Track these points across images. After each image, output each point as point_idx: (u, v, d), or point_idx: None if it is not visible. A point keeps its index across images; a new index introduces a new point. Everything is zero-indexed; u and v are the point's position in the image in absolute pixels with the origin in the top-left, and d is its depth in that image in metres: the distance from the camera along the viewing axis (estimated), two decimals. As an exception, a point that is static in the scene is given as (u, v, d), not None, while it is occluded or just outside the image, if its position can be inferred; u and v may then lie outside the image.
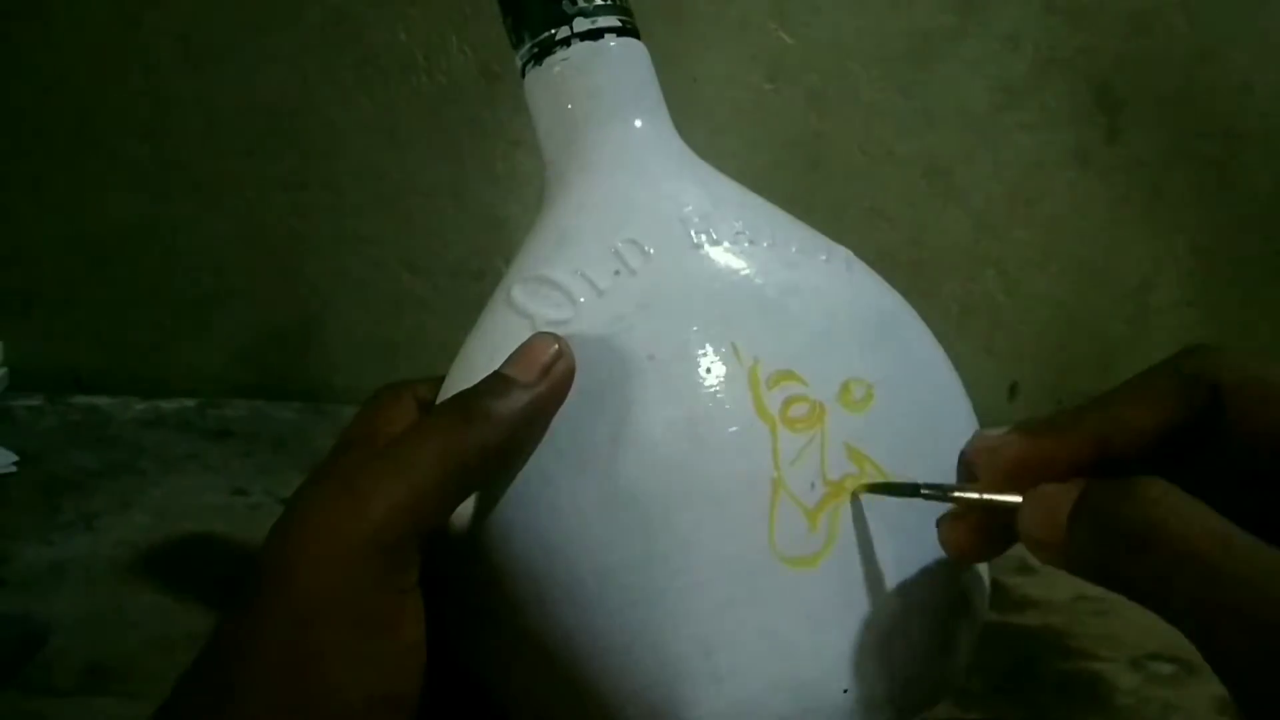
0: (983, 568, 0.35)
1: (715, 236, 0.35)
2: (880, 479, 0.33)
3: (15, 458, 0.67)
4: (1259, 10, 0.69)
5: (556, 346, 0.32)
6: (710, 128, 0.70)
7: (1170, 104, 0.70)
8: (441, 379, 0.36)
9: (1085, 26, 0.69)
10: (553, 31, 0.37)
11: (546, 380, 0.32)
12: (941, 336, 0.38)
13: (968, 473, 0.34)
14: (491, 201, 0.73)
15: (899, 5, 0.69)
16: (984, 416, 0.37)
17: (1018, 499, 0.29)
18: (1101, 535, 0.27)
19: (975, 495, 0.30)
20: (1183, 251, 0.74)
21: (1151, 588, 0.26)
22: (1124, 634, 0.53)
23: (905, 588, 0.32)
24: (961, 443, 0.35)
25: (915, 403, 0.34)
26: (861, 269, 0.37)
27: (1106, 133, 0.71)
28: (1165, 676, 0.51)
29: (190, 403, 0.76)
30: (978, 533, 0.31)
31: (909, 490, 0.32)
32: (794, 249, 0.36)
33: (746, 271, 0.34)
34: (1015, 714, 0.49)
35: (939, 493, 0.31)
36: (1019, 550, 0.53)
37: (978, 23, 0.69)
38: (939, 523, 0.31)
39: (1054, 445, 0.30)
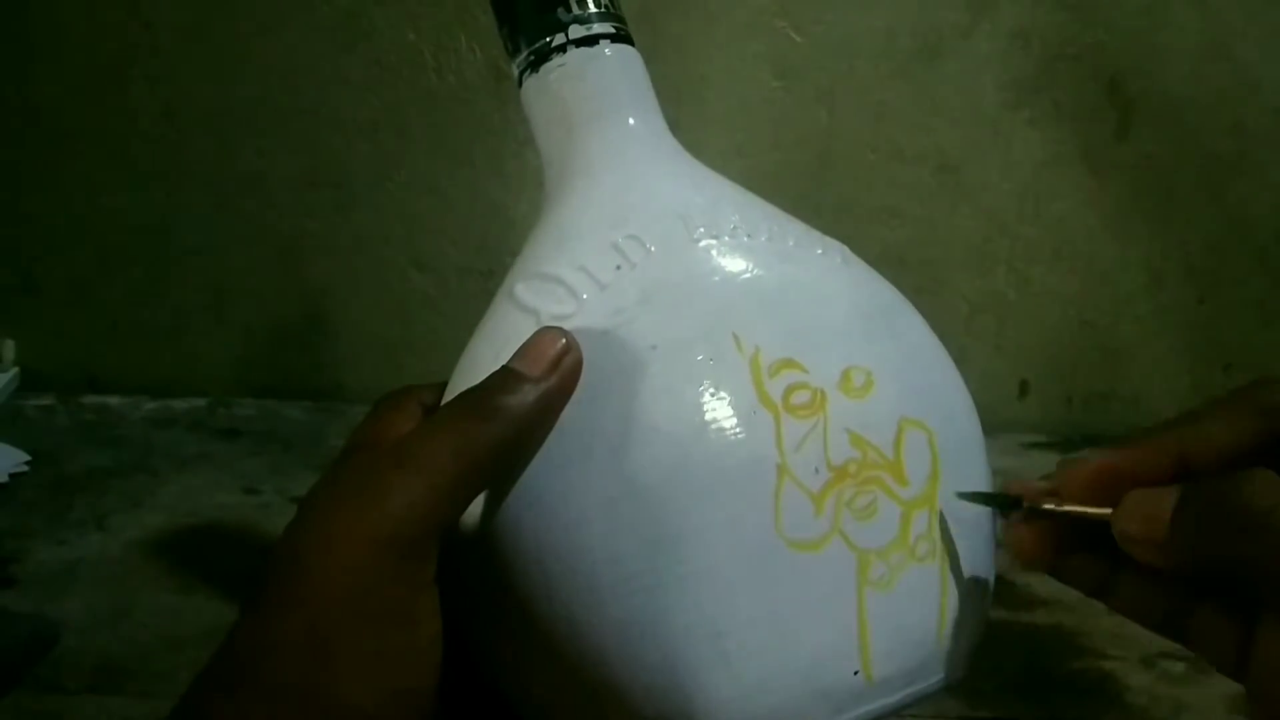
0: (989, 559, 0.36)
1: (713, 231, 0.35)
2: (883, 464, 0.33)
3: (27, 457, 0.67)
4: (1269, 7, 0.68)
5: (564, 341, 0.32)
6: (719, 125, 0.70)
7: (1180, 101, 0.70)
8: (444, 385, 0.36)
9: (1095, 23, 0.69)
10: (549, 39, 0.37)
11: (555, 374, 0.32)
12: (951, 334, 0.38)
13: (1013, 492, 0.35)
14: (500, 200, 0.73)
15: (907, 3, 0.69)
16: (994, 414, 0.37)
17: (1107, 511, 0.31)
18: (1210, 522, 0.28)
19: (1073, 508, 0.32)
20: (1194, 248, 0.74)
21: (1261, 570, 0.27)
22: (1135, 633, 0.52)
23: (913, 574, 0.33)
24: (960, 428, 0.36)
25: (914, 389, 0.35)
26: (857, 263, 0.38)
27: (1116, 129, 0.71)
28: (1176, 675, 0.50)
29: (201, 402, 0.76)
30: (1048, 539, 0.32)
31: (1011, 502, 0.33)
32: (791, 243, 0.36)
33: (745, 264, 0.35)
34: (1026, 713, 0.49)
35: (1037, 505, 0.32)
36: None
37: (987, 20, 0.69)
38: (1006, 527, 0.33)
39: (1137, 457, 0.31)
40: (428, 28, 0.70)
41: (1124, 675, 0.51)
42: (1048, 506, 0.32)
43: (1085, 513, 0.31)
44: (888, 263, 0.38)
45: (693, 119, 0.68)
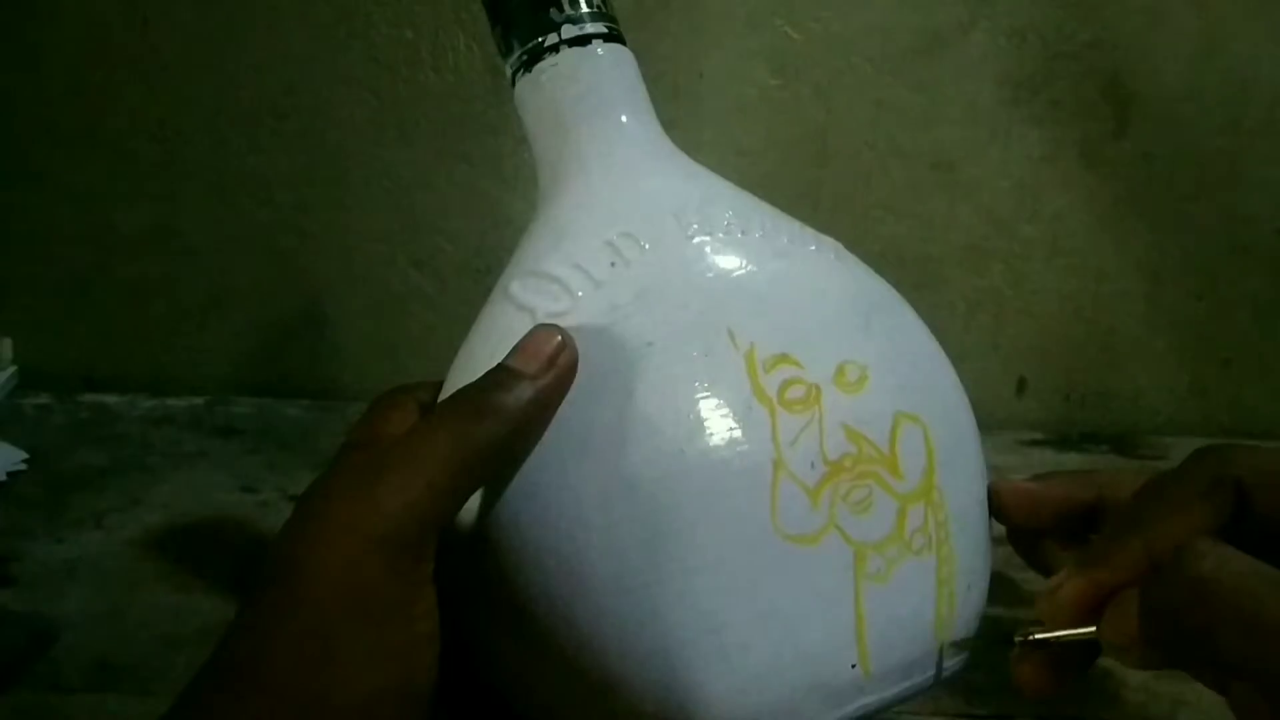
0: (986, 555, 0.36)
1: (707, 228, 0.35)
2: (878, 458, 0.33)
3: (24, 456, 0.67)
4: (1266, 4, 0.68)
5: (559, 338, 0.32)
6: (717, 123, 0.70)
7: (1178, 98, 0.70)
8: (441, 383, 0.36)
9: (1093, 20, 0.69)
10: (541, 39, 0.38)
11: (551, 371, 0.32)
12: (949, 332, 0.38)
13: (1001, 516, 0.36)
14: (498, 198, 0.73)
15: (905, 0, 0.69)
16: (991, 412, 0.37)
17: (1093, 630, 0.31)
18: (1162, 607, 0.29)
19: (1064, 633, 0.32)
20: (1191, 245, 0.74)
21: (1216, 636, 0.27)
22: (1133, 629, 0.53)
23: (909, 567, 0.33)
24: (955, 422, 0.36)
25: (909, 383, 0.35)
26: (850, 259, 0.38)
27: (1114, 127, 0.71)
28: (1175, 671, 0.50)
29: (198, 400, 0.76)
30: (1049, 667, 0.33)
31: (1004, 641, 0.33)
32: (784, 239, 0.36)
33: (739, 260, 0.35)
34: (1024, 709, 0.49)
35: (1033, 639, 0.33)
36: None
37: (985, 17, 0.69)
38: (1013, 665, 0.33)
39: (1109, 576, 0.31)
40: (425, 26, 0.70)
41: (1122, 672, 0.51)
42: (1039, 636, 0.32)
43: (1075, 635, 0.32)
44: (885, 260, 0.38)
45: (690, 117, 0.68)
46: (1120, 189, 0.72)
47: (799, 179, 0.71)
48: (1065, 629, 0.32)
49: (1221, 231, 0.73)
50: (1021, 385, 0.77)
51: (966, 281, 0.75)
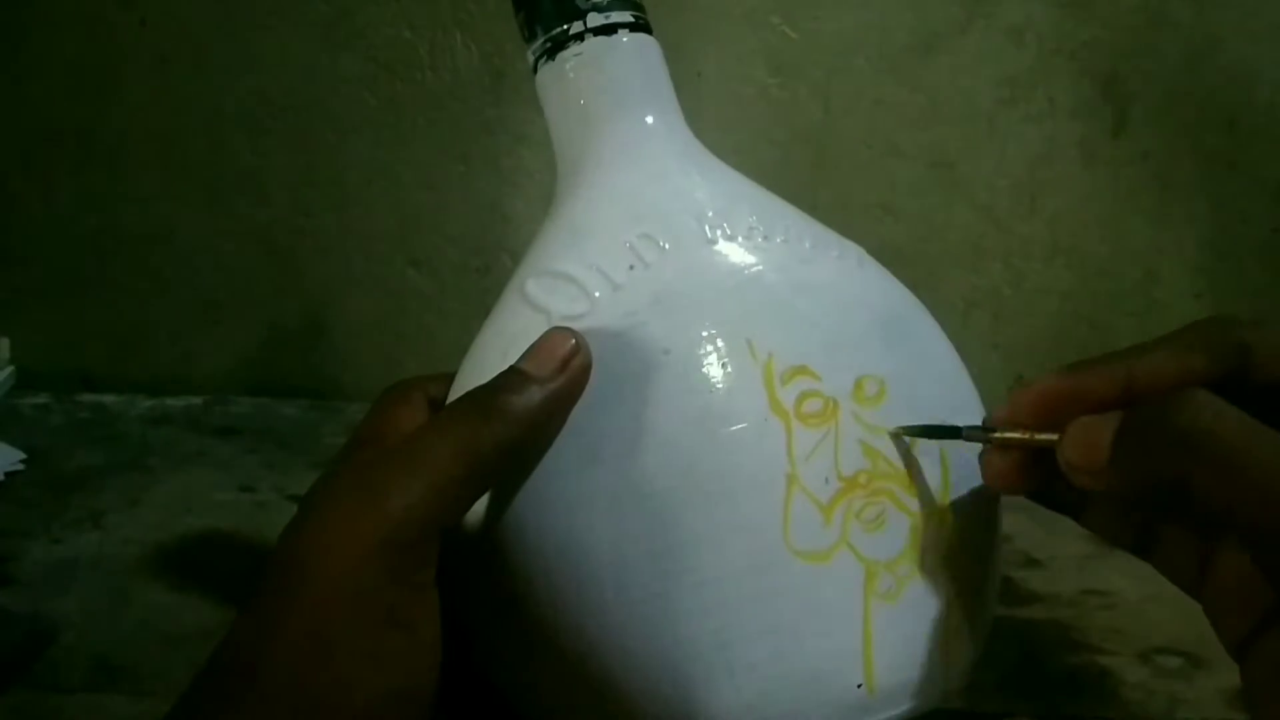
0: (996, 571, 0.35)
1: (729, 232, 0.35)
2: (893, 475, 0.33)
3: (23, 455, 0.67)
4: (1264, 3, 0.68)
5: (574, 341, 0.32)
6: (714, 123, 0.70)
7: (1176, 96, 0.70)
8: (451, 376, 0.36)
9: (1091, 19, 0.69)
10: (566, 27, 0.37)
11: (563, 375, 0.31)
12: (947, 330, 0.38)
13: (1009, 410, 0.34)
14: (496, 197, 0.73)
15: (903, -1, 0.69)
16: (990, 411, 0.37)
17: (1054, 436, 0.30)
18: (1151, 446, 0.28)
19: (1016, 435, 0.31)
20: (1189, 244, 0.74)
21: (1206, 491, 0.26)
22: (1131, 628, 0.53)
23: (919, 586, 0.33)
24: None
25: (927, 398, 0.34)
26: (873, 266, 0.37)
27: (1112, 125, 0.71)
28: (1173, 670, 0.50)
29: (197, 400, 0.76)
30: (1019, 465, 0.32)
31: (950, 432, 0.33)
32: (807, 245, 0.36)
33: (760, 267, 0.34)
34: (1024, 708, 0.49)
35: (980, 434, 0.32)
36: (1025, 545, 0.53)
37: (983, 15, 0.69)
38: (982, 455, 0.33)
39: (1085, 382, 0.31)
40: (423, 25, 0.69)
41: (1120, 670, 0.51)
42: (996, 435, 0.32)
43: (1031, 439, 0.31)
44: (883, 259, 0.38)
45: (688, 116, 0.68)
46: (1118, 187, 0.72)
47: (797, 178, 0.71)
48: (1027, 429, 0.31)
49: (1220, 230, 0.73)
50: (1019, 384, 0.77)
51: (965, 280, 0.75)
